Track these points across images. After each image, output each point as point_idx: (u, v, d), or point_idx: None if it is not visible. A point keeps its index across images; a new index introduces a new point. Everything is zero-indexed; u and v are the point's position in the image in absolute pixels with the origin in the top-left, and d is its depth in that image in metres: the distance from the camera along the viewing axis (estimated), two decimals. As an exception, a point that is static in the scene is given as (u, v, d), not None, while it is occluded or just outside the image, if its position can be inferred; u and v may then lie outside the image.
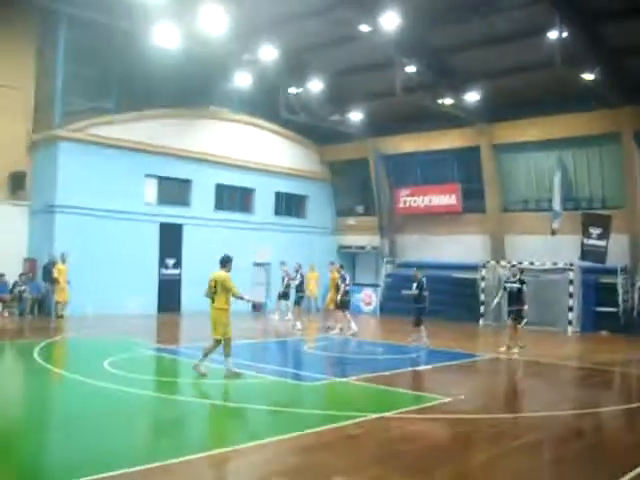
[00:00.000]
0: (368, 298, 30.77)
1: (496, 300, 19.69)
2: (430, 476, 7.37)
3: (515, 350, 17.48)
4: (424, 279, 18.91)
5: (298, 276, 23.44)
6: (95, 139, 24.69)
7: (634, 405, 11.90)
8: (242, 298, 13.18)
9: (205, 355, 12.83)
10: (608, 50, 22.15)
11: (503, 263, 26.40)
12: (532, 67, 23.26)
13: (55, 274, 21.63)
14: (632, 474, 7.35)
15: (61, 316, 21.70)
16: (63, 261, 21.77)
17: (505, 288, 18.54)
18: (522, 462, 8.06)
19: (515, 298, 18.04)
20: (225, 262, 13.15)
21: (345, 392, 12.53)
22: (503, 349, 17.68)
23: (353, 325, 21.14)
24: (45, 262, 23.45)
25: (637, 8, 19.84)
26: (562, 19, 20.36)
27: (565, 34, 20.60)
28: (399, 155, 30.85)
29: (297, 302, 23.41)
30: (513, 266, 19.79)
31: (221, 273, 12.95)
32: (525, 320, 18.64)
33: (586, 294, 24.63)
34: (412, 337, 18.71)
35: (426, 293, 18.78)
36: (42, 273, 23.61)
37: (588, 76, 21.86)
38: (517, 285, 18.08)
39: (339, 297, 21.30)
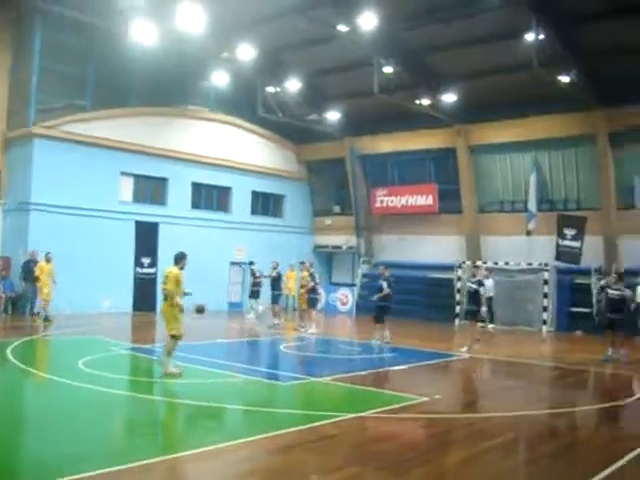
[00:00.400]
0: (344, 298, 30.81)
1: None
2: (406, 476, 7.38)
3: (463, 349, 17.75)
4: (391, 277, 19.45)
5: (274, 273, 23.54)
6: (71, 136, 24.46)
7: (607, 404, 12.01)
8: (185, 293, 12.93)
9: (168, 354, 12.70)
10: (584, 52, 22.32)
11: (479, 263, 26.54)
12: (509, 69, 23.40)
13: (37, 272, 21.35)
14: (605, 472, 7.42)
15: (46, 318, 21.11)
16: (47, 260, 21.47)
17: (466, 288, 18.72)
18: (498, 462, 8.10)
19: (472, 298, 18.37)
20: (178, 259, 13.06)
21: (322, 392, 12.52)
22: (464, 349, 17.80)
23: (314, 326, 21.51)
24: (24, 260, 23.15)
25: (612, 10, 20.06)
26: (539, 22, 20.51)
27: (542, 36, 20.77)
28: (376, 155, 30.90)
29: (275, 300, 23.51)
30: (475, 266, 20.04)
31: (173, 270, 12.88)
32: (483, 321, 18.91)
33: (561, 294, 24.86)
34: (376, 335, 19.12)
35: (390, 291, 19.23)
36: (21, 271, 23.28)
37: (564, 78, 22.07)
38: (475, 286, 18.24)
39: (306, 295, 21.81)
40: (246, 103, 29.61)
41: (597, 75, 22.99)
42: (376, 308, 19.37)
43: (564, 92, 22.66)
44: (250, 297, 25.99)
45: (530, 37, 20.86)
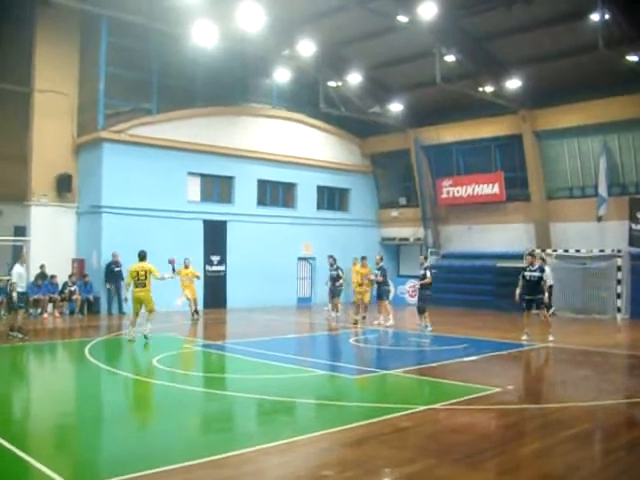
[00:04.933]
0: (412, 290, 30.65)
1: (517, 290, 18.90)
2: (481, 468, 7.35)
3: (524, 337, 17.63)
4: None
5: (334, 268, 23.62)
6: (138, 139, 25.02)
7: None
8: (163, 278, 17.81)
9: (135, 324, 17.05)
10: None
11: (549, 251, 26.13)
12: (573, 51, 22.92)
13: (179, 276, 22.15)
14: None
15: (196, 312, 23.05)
16: (186, 266, 22.63)
17: (525, 277, 17.95)
18: (574, 452, 7.97)
19: (536, 287, 17.75)
20: (144, 256, 17.39)
21: (393, 384, 12.55)
22: (524, 337, 17.67)
23: (390, 318, 21.56)
24: (105, 263, 24.08)
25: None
26: (603, 1, 20.00)
27: (607, 16, 20.24)
28: (440, 145, 30.64)
29: (336, 294, 23.60)
30: (530, 254, 19.29)
31: (146, 264, 17.12)
32: (553, 309, 18.48)
33: (635, 281, 24.23)
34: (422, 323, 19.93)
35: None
36: (105, 273, 24.09)
37: (632, 57, 21.46)
38: (537, 274, 17.79)
39: (372, 287, 22.38)
40: (308, 99, 29.73)
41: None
42: (421, 297, 20.31)
43: (632, 72, 22.01)
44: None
45: (595, 17, 20.37)
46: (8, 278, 23.48)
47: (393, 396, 11.41)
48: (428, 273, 20.00)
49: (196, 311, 22.88)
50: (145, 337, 16.75)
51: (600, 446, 8.62)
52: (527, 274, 17.84)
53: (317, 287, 29.82)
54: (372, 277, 21.95)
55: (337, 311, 23.34)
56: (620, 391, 12.14)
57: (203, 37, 22.24)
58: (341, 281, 23.45)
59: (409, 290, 30.91)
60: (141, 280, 17.07)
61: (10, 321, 18.21)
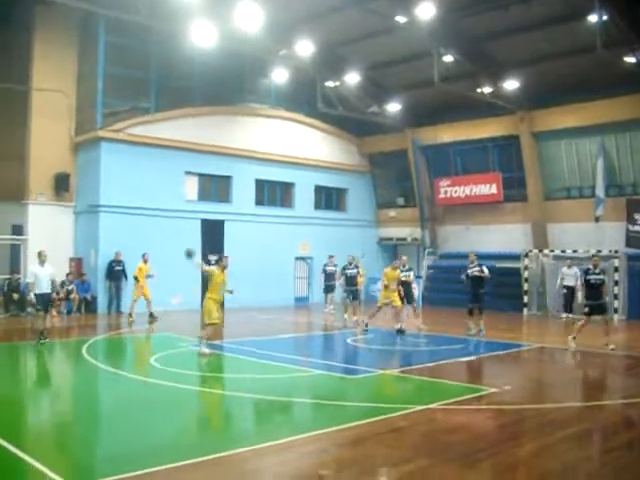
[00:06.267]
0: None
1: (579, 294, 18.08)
2: (476, 467, 7.37)
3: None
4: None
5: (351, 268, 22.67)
6: (136, 139, 25.01)
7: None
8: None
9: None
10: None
11: (546, 252, 26.19)
12: (571, 52, 22.93)
13: (135, 273, 22.01)
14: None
15: (151, 315, 21.85)
16: (145, 261, 22.14)
17: (589, 281, 16.42)
18: (571, 452, 8.00)
19: (597, 290, 16.32)
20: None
21: (390, 384, 12.58)
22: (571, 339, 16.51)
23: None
24: (108, 261, 24.17)
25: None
26: (601, 2, 20.02)
27: (605, 17, 20.26)
28: (438, 145, 30.66)
29: (355, 296, 22.51)
30: (595, 256, 17.90)
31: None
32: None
33: (632, 282, 24.26)
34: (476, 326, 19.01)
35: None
36: (106, 272, 24.18)
37: (630, 59, 21.50)
38: (602, 277, 16.51)
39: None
40: (306, 98, 29.71)
41: (664, 54, 22.34)
42: (479, 297, 19.20)
43: (630, 73, 22.04)
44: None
45: (593, 18, 20.40)
46: (8, 277, 23.64)
47: (390, 396, 11.44)
48: (485, 268, 19.08)
49: (151, 314, 21.84)
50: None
51: (597, 446, 8.65)
52: (591, 277, 16.39)
53: (314, 287, 29.79)
54: (411, 279, 20.61)
55: (355, 314, 21.72)
56: (617, 391, 12.18)
57: (201, 37, 22.24)
58: (362, 279, 22.67)
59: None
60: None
61: (34, 327, 16.96)
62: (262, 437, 8.45)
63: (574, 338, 16.12)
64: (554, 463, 7.55)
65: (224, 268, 15.09)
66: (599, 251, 23.63)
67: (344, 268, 22.69)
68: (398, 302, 19.51)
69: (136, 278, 21.95)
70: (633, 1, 20.71)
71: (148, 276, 22.02)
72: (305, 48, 24.84)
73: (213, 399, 11.09)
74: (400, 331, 19.05)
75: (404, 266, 20.60)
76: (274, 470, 7.35)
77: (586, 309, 16.45)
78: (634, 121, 24.56)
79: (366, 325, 19.61)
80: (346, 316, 22.39)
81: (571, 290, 23.22)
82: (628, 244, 23.84)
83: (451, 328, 20.24)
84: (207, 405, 10.75)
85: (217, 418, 9.81)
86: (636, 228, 23.51)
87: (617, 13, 20.55)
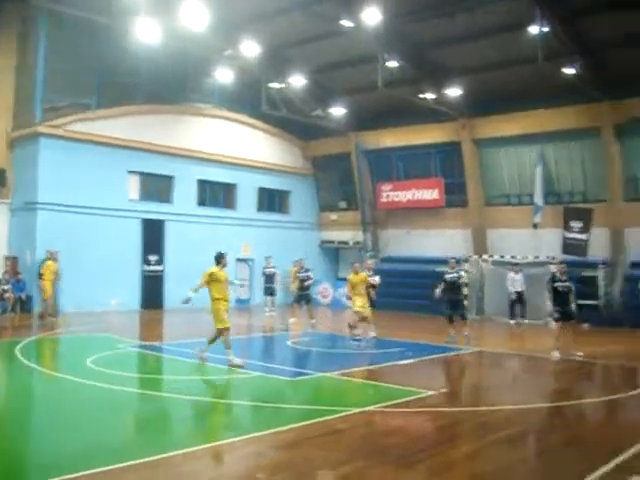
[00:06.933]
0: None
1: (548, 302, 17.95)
2: (412, 469, 7.40)
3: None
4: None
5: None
6: (76, 135, 24.54)
7: (616, 396, 11.99)
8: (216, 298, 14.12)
9: (228, 347, 13.80)
10: (589, 45, 22.26)
11: (485, 257, 26.58)
12: (513, 62, 23.37)
13: (42, 270, 21.35)
14: (612, 463, 7.45)
15: (50, 315, 21.13)
16: (54, 259, 21.46)
17: (556, 289, 16.18)
18: (505, 454, 8.12)
19: (564, 297, 16.11)
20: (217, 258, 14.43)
21: (329, 387, 12.55)
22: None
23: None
24: (41, 259, 23.37)
25: (617, 2, 19.96)
26: (543, 14, 20.44)
27: (546, 29, 20.70)
28: (381, 150, 30.88)
29: (308, 300, 22.19)
30: (561, 263, 17.64)
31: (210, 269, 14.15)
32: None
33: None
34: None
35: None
36: (38, 271, 23.49)
37: (569, 71, 21.99)
38: (568, 284, 16.23)
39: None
40: (250, 99, 29.57)
41: (602, 67, 22.92)
42: (459, 304, 18.57)
43: (569, 84, 22.55)
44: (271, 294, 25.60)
45: (534, 30, 20.81)
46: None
47: (329, 398, 11.41)
48: (463, 273, 18.64)
49: (50, 313, 21.20)
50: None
51: (531, 448, 8.78)
52: (558, 285, 16.20)
53: (255, 289, 29.68)
54: (375, 281, 19.52)
55: (312, 318, 21.41)
56: (551, 394, 12.40)
57: (146, 34, 21.91)
58: (310, 282, 22.17)
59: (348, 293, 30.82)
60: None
61: None
62: (198, 439, 8.37)
63: (558, 349, 15.98)
64: (487, 465, 7.67)
65: (224, 266, 14.37)
66: (537, 257, 24.15)
67: (298, 272, 22.26)
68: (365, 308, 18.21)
69: (41, 275, 21.30)
70: (573, 14, 21.24)
71: (55, 275, 21.34)
72: (250, 49, 24.74)
73: (149, 401, 10.92)
74: (357, 339, 17.73)
75: (369, 270, 19.97)
76: (210, 474, 7.28)
77: (555, 315, 16.33)
78: (573, 131, 25.21)
79: (356, 335, 17.96)
80: (292, 320, 22.18)
81: (519, 295, 23.76)
82: (565, 251, 24.35)
83: (395, 332, 20.35)
84: (142, 407, 10.58)
85: (152, 420, 9.65)
86: (572, 235, 24.05)
87: (558, 25, 21.08)
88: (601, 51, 22.48)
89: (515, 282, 24.26)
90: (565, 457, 8.00)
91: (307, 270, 22.26)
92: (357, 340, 17.51)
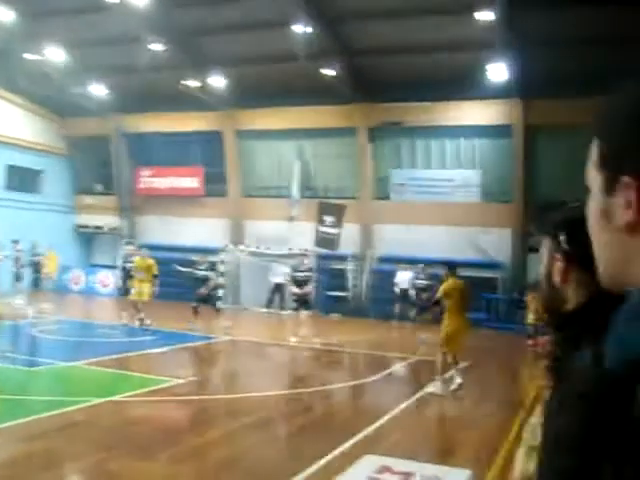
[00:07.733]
0: (106, 280, 29.75)
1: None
2: (153, 458, 7.30)
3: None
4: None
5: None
6: None
7: (359, 381, 12.70)
8: None
9: None
10: (349, 50, 23.38)
11: (242, 247, 26.93)
12: (277, 58, 23.79)
13: None
14: (353, 440, 7.90)
15: None
16: None
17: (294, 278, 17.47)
18: (254, 437, 8.29)
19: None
20: None
21: (73, 377, 12.07)
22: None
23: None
24: None
25: (374, 13, 21.12)
26: (308, 14, 21.09)
27: (309, 29, 21.37)
28: (143, 134, 30.11)
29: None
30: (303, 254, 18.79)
31: None
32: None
33: (320, 279, 25.76)
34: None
35: None
36: None
37: (329, 72, 22.91)
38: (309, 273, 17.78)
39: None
40: (3, 70, 27.51)
41: (360, 72, 24.17)
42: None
43: (329, 85, 23.50)
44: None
45: (298, 29, 21.40)
46: None
47: (71, 389, 10.96)
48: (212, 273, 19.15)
49: None
50: None
51: (274, 432, 9.02)
52: (298, 274, 17.64)
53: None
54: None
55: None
56: (298, 380, 12.86)
57: None
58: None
59: (102, 280, 29.89)
60: None
61: None
62: None
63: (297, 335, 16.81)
64: (231, 450, 7.77)
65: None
66: (290, 249, 24.88)
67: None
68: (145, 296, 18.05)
69: None
70: (335, 19, 22.18)
71: None
72: (4, 15, 23.00)
73: None
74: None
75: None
76: None
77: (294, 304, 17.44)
78: (331, 130, 26.32)
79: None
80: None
81: (278, 286, 24.42)
82: (318, 244, 25.30)
83: (155, 321, 19.87)
84: None
85: None
86: (324, 229, 25.05)
87: (322, 27, 21.84)
88: (360, 56, 23.67)
89: (276, 274, 24.85)
90: (308, 438, 8.33)
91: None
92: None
